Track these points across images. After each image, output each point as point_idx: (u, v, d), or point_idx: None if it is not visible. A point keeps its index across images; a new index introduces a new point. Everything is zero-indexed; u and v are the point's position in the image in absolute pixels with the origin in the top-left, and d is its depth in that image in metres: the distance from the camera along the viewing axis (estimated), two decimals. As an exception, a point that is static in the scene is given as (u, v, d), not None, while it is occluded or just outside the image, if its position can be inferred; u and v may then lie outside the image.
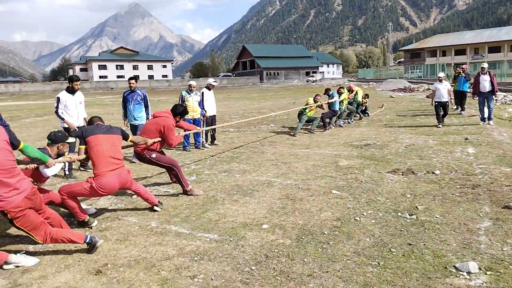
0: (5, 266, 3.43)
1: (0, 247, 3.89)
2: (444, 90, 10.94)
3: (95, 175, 4.38)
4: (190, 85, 8.89)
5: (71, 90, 6.90)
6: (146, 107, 7.98)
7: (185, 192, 5.45)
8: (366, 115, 14.11)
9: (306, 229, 4.10)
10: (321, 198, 5.09)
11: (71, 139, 4.48)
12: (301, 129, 10.92)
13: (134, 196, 5.47)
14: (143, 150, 5.44)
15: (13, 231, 4.33)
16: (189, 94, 8.82)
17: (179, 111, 5.73)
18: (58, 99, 6.89)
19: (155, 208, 4.86)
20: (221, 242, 3.86)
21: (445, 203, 4.72)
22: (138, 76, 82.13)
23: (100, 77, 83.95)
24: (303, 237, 3.91)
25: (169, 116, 5.63)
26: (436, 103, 11.00)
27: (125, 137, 4.86)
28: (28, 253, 3.76)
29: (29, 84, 68.91)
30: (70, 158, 4.49)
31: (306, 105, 10.92)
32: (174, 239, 3.98)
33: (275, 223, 4.30)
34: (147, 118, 7.80)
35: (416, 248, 3.56)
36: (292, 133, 10.59)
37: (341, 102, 11.75)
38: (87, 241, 3.66)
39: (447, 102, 11.04)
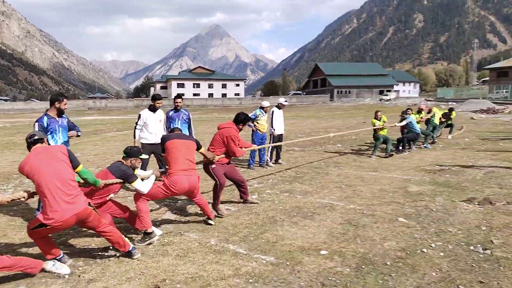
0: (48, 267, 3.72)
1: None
2: None
3: (169, 174, 4.71)
4: (264, 107, 9.07)
5: (153, 108, 7.28)
6: (190, 127, 7.91)
7: (214, 208, 5.53)
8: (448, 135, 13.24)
9: (367, 258, 3.90)
10: (386, 226, 4.82)
11: (144, 156, 4.75)
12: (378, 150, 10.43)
13: (198, 211, 5.62)
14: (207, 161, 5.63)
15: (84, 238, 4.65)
16: (263, 114, 9.05)
17: (241, 118, 5.82)
18: (139, 116, 7.28)
19: (210, 221, 5.08)
20: (277, 265, 3.81)
21: (529, 240, 4.21)
22: (183, 94, 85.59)
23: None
24: (363, 266, 3.71)
25: (232, 126, 5.76)
26: None
27: (198, 146, 5.17)
28: (93, 263, 4.01)
29: (114, 100, 74.87)
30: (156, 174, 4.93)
31: (374, 126, 10.50)
32: (231, 258, 4.00)
33: (334, 250, 4.14)
34: None
35: (489, 287, 3.20)
36: (369, 155, 10.23)
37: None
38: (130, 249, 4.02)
39: None
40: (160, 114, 7.41)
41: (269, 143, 9.21)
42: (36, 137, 3.85)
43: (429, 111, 12.50)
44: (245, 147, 6.09)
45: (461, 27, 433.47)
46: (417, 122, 11.35)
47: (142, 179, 4.60)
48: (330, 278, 3.49)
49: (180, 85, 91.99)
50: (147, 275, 3.68)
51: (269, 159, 9.30)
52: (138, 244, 4.46)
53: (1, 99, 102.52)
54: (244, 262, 3.91)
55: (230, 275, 3.63)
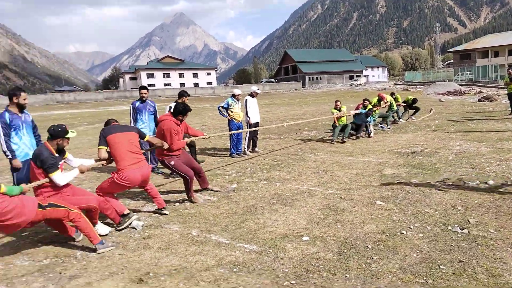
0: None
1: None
2: None
3: (118, 170, 4.70)
4: (235, 95, 8.96)
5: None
6: (155, 117, 7.68)
7: (189, 199, 5.66)
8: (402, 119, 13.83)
9: (349, 242, 3.96)
10: (364, 209, 4.92)
11: (70, 134, 4.39)
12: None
13: (177, 204, 5.56)
14: (163, 156, 5.61)
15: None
16: (235, 102, 8.96)
17: (178, 109, 5.63)
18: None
19: (164, 211, 5.17)
20: (261, 253, 3.82)
21: (500, 216, 4.40)
22: (146, 86, 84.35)
23: (149, 85, 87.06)
24: (345, 250, 3.78)
25: (169, 118, 5.60)
26: None
27: (141, 135, 5.11)
28: (73, 259, 3.91)
29: (82, 93, 72.65)
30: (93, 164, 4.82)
31: (332, 115, 10.64)
32: (214, 248, 3.98)
33: (315, 235, 4.19)
34: None
35: (468, 266, 3.33)
36: (330, 141, 10.39)
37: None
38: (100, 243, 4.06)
39: None
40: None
41: (246, 132, 9.21)
42: None
43: (383, 100, 12.76)
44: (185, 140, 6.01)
45: (422, 12, 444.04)
46: (374, 109, 11.73)
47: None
48: (313, 264, 3.54)
49: (150, 76, 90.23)
50: (129, 269, 3.62)
51: (246, 148, 9.29)
52: (119, 228, 4.60)
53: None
54: (227, 251, 3.90)
55: (214, 265, 3.61)
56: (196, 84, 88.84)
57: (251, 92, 9.40)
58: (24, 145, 5.22)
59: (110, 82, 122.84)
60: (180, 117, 5.66)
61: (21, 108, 5.19)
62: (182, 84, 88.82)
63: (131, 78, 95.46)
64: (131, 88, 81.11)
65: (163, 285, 3.28)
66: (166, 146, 5.48)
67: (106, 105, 43.10)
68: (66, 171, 4.34)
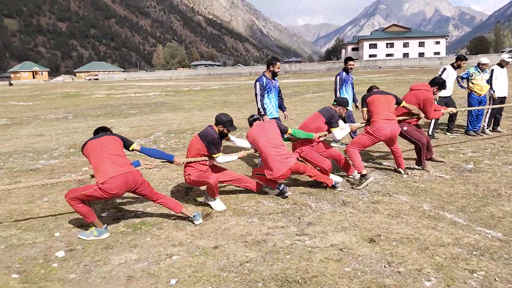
0: None
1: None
2: None
3: (372, 122, 5.33)
4: (481, 64, 7.91)
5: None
6: (353, 88, 7.67)
7: (419, 164, 5.75)
8: None
9: None
10: None
11: (350, 108, 5.33)
12: None
13: (405, 176, 5.46)
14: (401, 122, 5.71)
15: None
16: (479, 72, 7.93)
17: (438, 81, 5.93)
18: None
19: (400, 170, 5.64)
20: (507, 242, 3.39)
21: None
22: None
23: (370, 56, 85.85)
24: None
25: (428, 89, 5.81)
26: None
27: (398, 101, 5.66)
28: (309, 209, 4.37)
29: (307, 63, 77.72)
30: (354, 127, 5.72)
31: None
32: (448, 227, 3.77)
33: None
34: None
35: None
36: None
37: None
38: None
39: None
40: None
41: (488, 108, 8.05)
42: (255, 117, 5.00)
43: None
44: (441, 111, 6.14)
45: None
46: None
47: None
48: None
49: (372, 46, 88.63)
50: (361, 228, 3.81)
51: (485, 126, 8.17)
52: (356, 188, 4.98)
53: (214, 65, 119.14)
54: (464, 232, 3.63)
55: (449, 243, 3.43)
56: (421, 54, 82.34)
57: (500, 61, 8.11)
58: (271, 106, 6.14)
59: (332, 53, 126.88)
60: (435, 89, 5.92)
61: (274, 75, 6.10)
62: (406, 55, 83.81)
63: (353, 49, 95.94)
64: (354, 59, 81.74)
65: (396, 250, 3.33)
66: (422, 115, 5.73)
67: (328, 76, 44.89)
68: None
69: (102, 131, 4.16)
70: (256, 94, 6.01)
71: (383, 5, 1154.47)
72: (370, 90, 5.90)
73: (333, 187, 4.97)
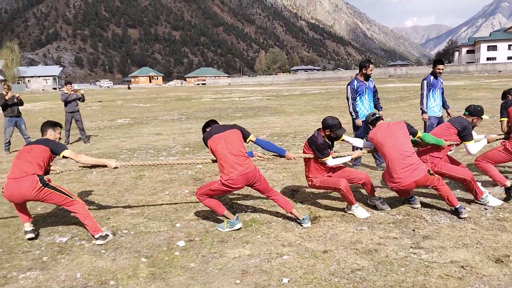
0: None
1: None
2: None
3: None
4: None
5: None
6: (443, 94, 7.01)
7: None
8: None
9: None
10: None
11: (485, 116, 4.73)
12: None
13: None
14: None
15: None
16: None
17: None
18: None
19: None
20: None
21: None
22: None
23: (488, 59, 77.61)
24: None
25: None
26: None
27: None
28: (424, 221, 4.12)
29: (414, 67, 73.25)
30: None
31: None
32: None
33: None
34: None
35: None
36: None
37: None
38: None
39: None
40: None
41: None
42: (377, 115, 4.57)
43: None
44: None
45: None
46: None
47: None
48: None
49: (491, 48, 79.99)
50: (485, 246, 3.49)
51: None
52: (483, 201, 4.50)
53: (314, 69, 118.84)
54: None
55: None
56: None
57: None
58: (364, 108, 6.19)
59: (444, 56, 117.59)
60: None
61: (367, 77, 6.11)
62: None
63: (468, 52, 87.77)
64: (467, 62, 74.80)
65: (530, 275, 2.98)
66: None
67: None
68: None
69: (213, 123, 4.45)
70: (347, 98, 6.17)
71: (506, 3, 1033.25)
72: (505, 95, 5.29)
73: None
